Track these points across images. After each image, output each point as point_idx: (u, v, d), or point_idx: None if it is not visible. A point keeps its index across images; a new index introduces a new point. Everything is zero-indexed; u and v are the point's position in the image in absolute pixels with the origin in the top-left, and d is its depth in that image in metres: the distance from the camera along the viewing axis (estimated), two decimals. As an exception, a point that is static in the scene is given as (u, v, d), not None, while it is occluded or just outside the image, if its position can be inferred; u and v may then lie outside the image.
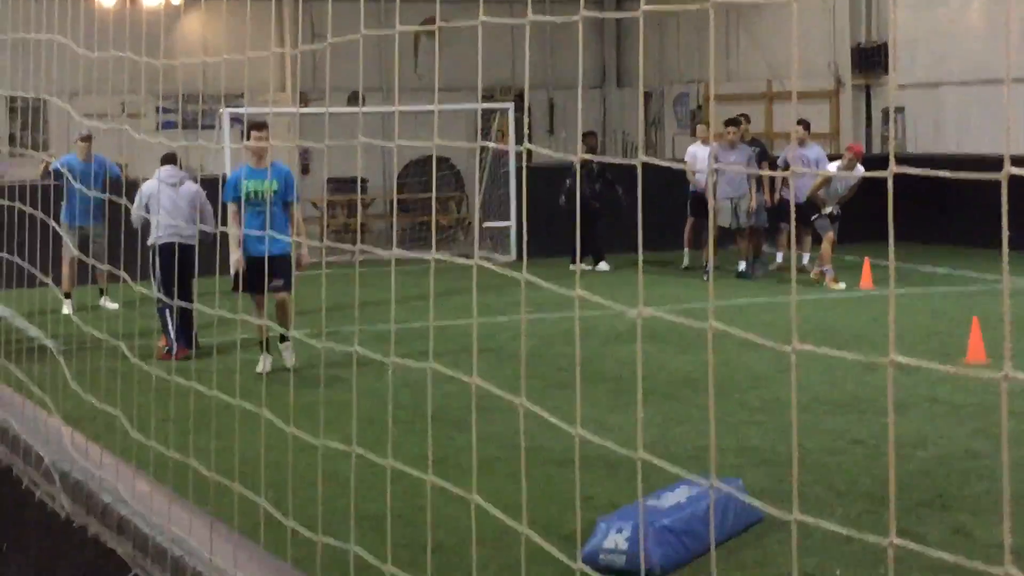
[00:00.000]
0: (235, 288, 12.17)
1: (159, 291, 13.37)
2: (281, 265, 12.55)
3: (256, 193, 12.76)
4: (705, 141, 22.00)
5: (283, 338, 12.67)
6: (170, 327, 13.56)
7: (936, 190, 22.19)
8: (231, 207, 12.81)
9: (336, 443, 3.54)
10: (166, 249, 13.59)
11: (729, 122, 20.99)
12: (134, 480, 3.77)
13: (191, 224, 13.93)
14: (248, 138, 13.18)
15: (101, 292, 16.75)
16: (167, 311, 13.51)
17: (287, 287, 12.58)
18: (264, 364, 12.34)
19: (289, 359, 12.42)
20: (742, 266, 20.33)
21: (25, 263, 6.25)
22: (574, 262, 21.11)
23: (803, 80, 27.00)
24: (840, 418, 10.66)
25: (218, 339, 13.54)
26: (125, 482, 3.79)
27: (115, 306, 15.28)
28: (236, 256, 12.31)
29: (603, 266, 21.48)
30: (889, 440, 2.18)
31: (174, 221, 13.79)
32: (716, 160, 19.87)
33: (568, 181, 20.94)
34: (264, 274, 11.65)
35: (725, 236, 21.02)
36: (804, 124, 21.32)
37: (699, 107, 30.07)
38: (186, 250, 13.59)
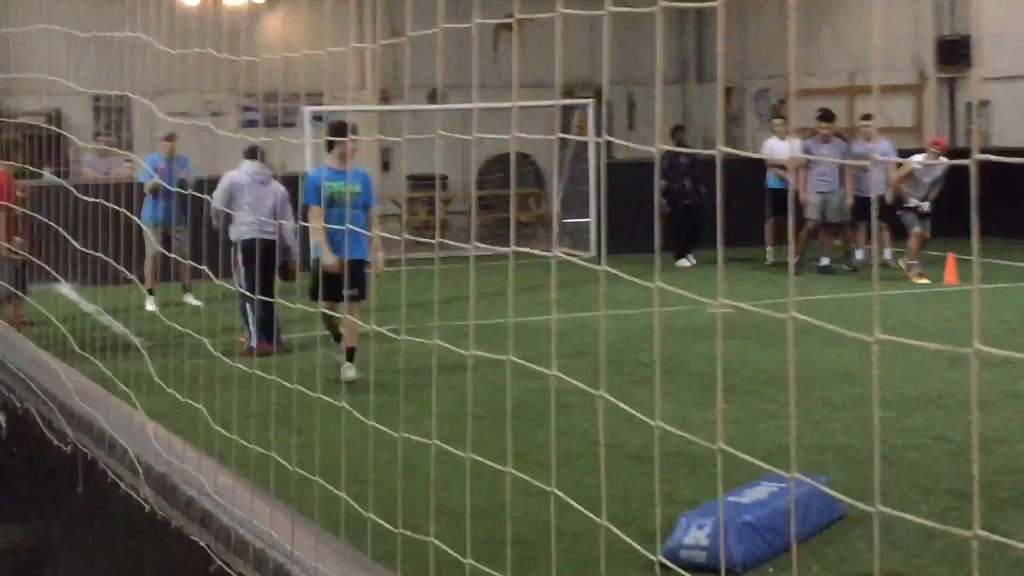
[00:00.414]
0: (315, 296, 11.67)
1: (241, 287, 13.46)
2: (358, 272, 12.17)
3: (338, 195, 12.25)
4: (781, 135, 21.84)
5: (350, 353, 12.31)
6: (251, 323, 13.63)
7: (1022, 184, 21.90)
8: (315, 209, 12.10)
9: (416, 437, 3.55)
10: (250, 245, 13.64)
11: (824, 116, 20.72)
12: (217, 474, 3.81)
13: (272, 221, 14.01)
14: (333, 141, 12.47)
15: (184, 289, 16.89)
16: (249, 307, 13.58)
17: (363, 295, 12.21)
18: (351, 371, 12.12)
19: (350, 372, 12.14)
20: (824, 261, 20.17)
21: (111, 260, 6.33)
22: (678, 259, 21.18)
23: (886, 74, 26.74)
24: (924, 415, 10.55)
25: (299, 335, 13.63)
26: (208, 476, 3.82)
27: (198, 303, 15.36)
28: (330, 259, 11.83)
29: (683, 262, 21.40)
30: (974, 434, 2.16)
31: (259, 217, 13.84)
32: (810, 154, 19.75)
33: (664, 181, 20.97)
34: (341, 280, 11.15)
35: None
36: (867, 118, 21.15)
37: (780, 102, 29.87)
38: (269, 246, 13.65)
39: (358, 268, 12.10)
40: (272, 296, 13.51)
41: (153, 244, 14.96)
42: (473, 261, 3.95)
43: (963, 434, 9.79)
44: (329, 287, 11.36)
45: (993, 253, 19.68)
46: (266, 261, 13.32)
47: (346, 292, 11.32)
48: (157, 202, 16.37)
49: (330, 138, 12.41)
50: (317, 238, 12.12)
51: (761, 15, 28.76)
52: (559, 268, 3.11)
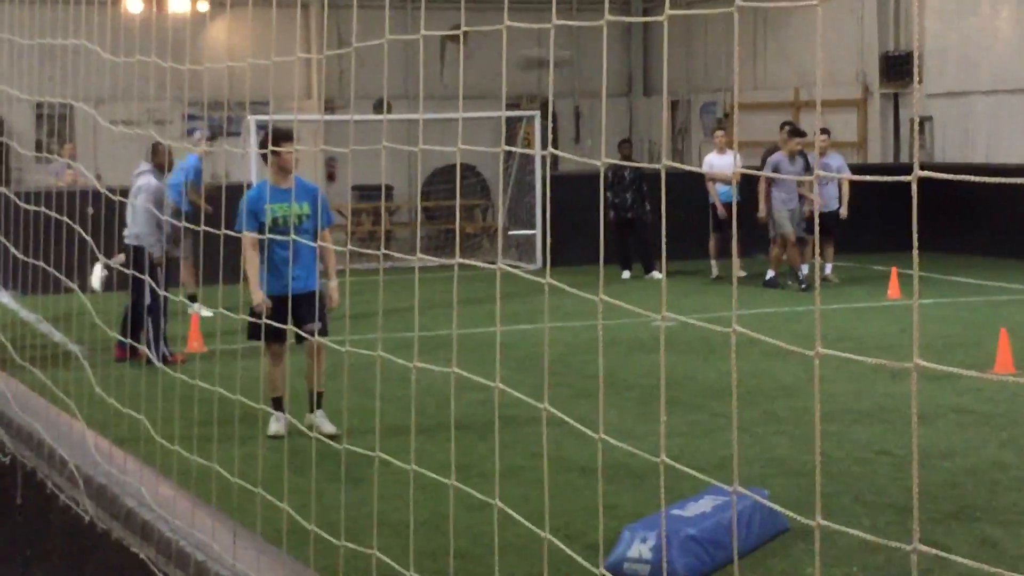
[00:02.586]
0: (252, 335, 10.18)
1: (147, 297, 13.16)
2: (311, 305, 10.34)
3: (282, 219, 10.42)
4: (722, 149, 21.89)
5: (318, 402, 10.56)
6: (151, 333, 13.29)
7: (964, 200, 22.12)
8: (249, 237, 10.30)
9: (360, 449, 3.53)
10: (129, 253, 13.49)
11: (795, 132, 20.59)
12: (157, 485, 3.77)
13: (141, 226, 13.69)
14: (273, 152, 10.57)
15: (192, 298, 16.57)
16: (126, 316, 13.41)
17: (324, 331, 10.37)
18: (278, 424, 10.19)
19: (327, 425, 10.25)
20: (769, 274, 20.22)
21: (51, 268, 6.26)
22: (624, 270, 21.19)
23: (830, 88, 26.94)
24: (866, 428, 10.60)
25: (240, 346, 13.52)
26: (149, 487, 3.79)
27: (210, 313, 14.93)
28: (259, 297, 10.11)
29: (655, 275, 21.41)
30: (913, 448, 2.16)
31: (132, 223, 13.67)
32: (778, 170, 19.76)
33: (609, 194, 21.02)
34: (287, 318, 8.96)
35: (751, 245, 21.00)
36: (826, 132, 21.20)
37: (726, 115, 30.02)
38: (134, 252, 13.40)
39: (310, 301, 10.34)
40: (139, 302, 13.26)
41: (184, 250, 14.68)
42: (418, 272, 3.93)
43: (905, 448, 9.84)
44: (266, 325, 9.34)
45: (936, 268, 19.83)
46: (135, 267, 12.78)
47: (302, 329, 9.89)
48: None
49: (269, 149, 10.54)
50: (248, 271, 10.40)
51: (707, 29, 28.94)
52: (505, 280, 3.10)
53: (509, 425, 9.54)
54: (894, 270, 18.71)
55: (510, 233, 23.70)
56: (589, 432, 2.77)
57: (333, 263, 10.92)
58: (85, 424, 4.38)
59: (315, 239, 10.39)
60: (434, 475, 3.27)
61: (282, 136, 10.74)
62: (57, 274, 6.40)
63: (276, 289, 9.88)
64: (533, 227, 23.29)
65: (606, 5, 2.55)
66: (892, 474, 9.25)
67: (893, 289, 18.74)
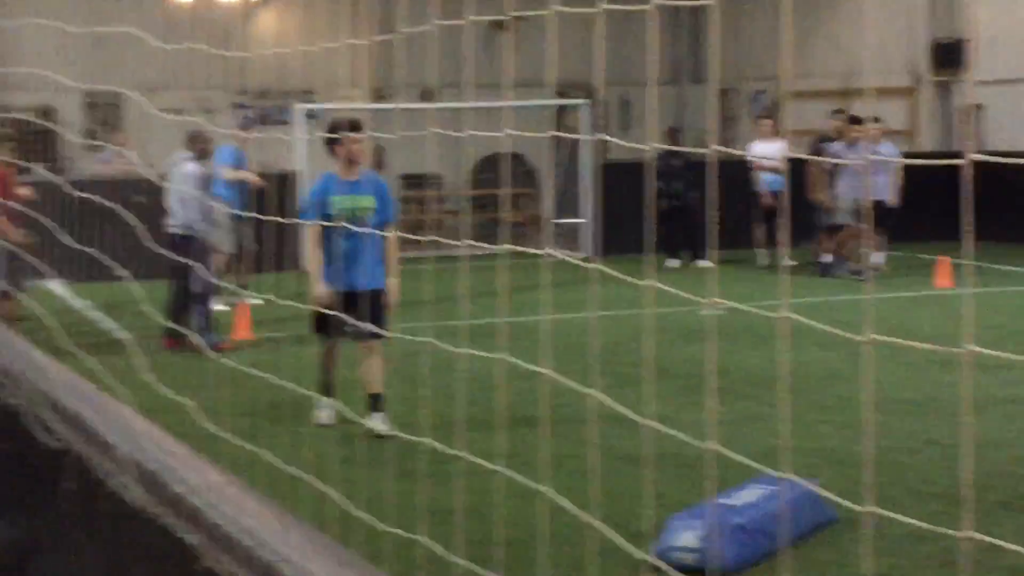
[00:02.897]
0: (317, 329, 10.34)
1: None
2: (376, 304, 10.11)
3: (350, 212, 10.20)
4: (769, 137, 21.79)
5: (375, 403, 9.83)
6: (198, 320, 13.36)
7: (1016, 187, 21.92)
8: (311, 229, 10.30)
9: (408, 436, 3.53)
10: (170, 241, 13.45)
11: (854, 120, 20.50)
12: (206, 471, 3.78)
13: (191, 213, 13.76)
14: (335, 140, 10.38)
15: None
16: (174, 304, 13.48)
17: (384, 332, 9.75)
18: (325, 414, 9.68)
19: (382, 426, 9.39)
20: (825, 259, 20.05)
21: (104, 256, 6.30)
22: (671, 258, 21.12)
23: (880, 76, 26.76)
24: (916, 418, 10.54)
25: (285, 334, 13.56)
26: (198, 473, 3.80)
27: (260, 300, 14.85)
28: (320, 289, 10.06)
29: (704, 262, 21.32)
30: (966, 438, 2.14)
31: (175, 212, 13.76)
32: (838, 158, 19.64)
33: (659, 183, 20.91)
34: (348, 314, 9.13)
35: (798, 234, 20.91)
36: (878, 121, 21.04)
37: (775, 104, 29.86)
38: (182, 242, 13.43)
39: (373, 300, 10.05)
40: (186, 291, 13.34)
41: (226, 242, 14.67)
42: (466, 260, 3.93)
43: (955, 438, 9.78)
44: (326, 319, 9.65)
45: (986, 257, 19.68)
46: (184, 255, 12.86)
47: (349, 328, 9.31)
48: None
49: (329, 135, 10.47)
50: (310, 265, 10.32)
51: (755, 16, 28.75)
52: (551, 268, 3.09)
53: (556, 414, 9.53)
54: (941, 258, 18.57)
55: (557, 222, 23.67)
56: (636, 418, 2.76)
57: (395, 259, 10.46)
58: (134, 410, 4.40)
59: (381, 234, 10.18)
60: (482, 461, 3.27)
61: (349, 126, 10.50)
62: (107, 262, 6.44)
63: (338, 284, 9.94)
64: (580, 216, 23.24)
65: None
66: (941, 464, 9.20)
67: (942, 278, 18.60)
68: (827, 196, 19.85)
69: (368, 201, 10.29)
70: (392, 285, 10.26)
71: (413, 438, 3.58)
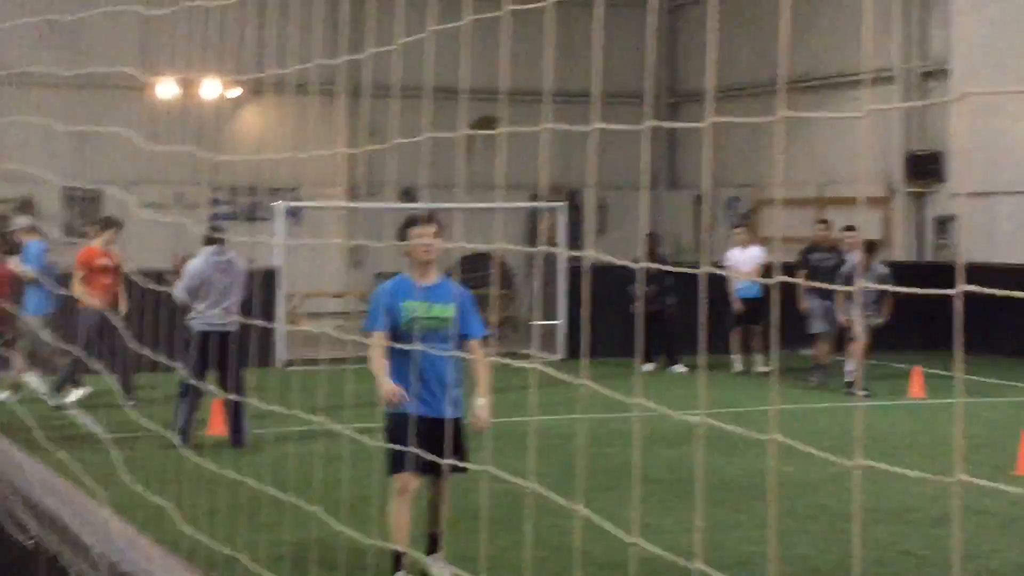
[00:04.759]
0: (395, 467, 8.43)
1: (189, 378, 13.12)
2: (458, 434, 8.41)
3: (427, 323, 8.58)
4: (743, 245, 21.99)
5: (433, 543, 8.77)
6: (180, 417, 13.32)
7: (985, 300, 22.02)
8: (375, 337, 8.58)
9: (385, 543, 3.52)
10: (205, 337, 13.52)
11: (848, 227, 20.67)
12: (183, 573, 3.77)
13: (235, 309, 13.80)
14: (404, 236, 8.78)
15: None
16: (183, 401, 13.39)
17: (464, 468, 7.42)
18: (443, 570, 8.53)
19: (445, 571, 8.57)
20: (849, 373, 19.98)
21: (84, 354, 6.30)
22: (646, 363, 21.13)
23: (855, 186, 27.02)
24: (888, 528, 10.53)
25: (272, 430, 13.49)
26: (173, 574, 3.79)
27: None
28: (388, 386, 8.38)
29: (679, 368, 21.39)
30: (956, 553, 2.16)
31: (218, 308, 13.66)
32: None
33: (632, 286, 21.05)
34: (432, 446, 7.34)
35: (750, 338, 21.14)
36: (850, 229, 21.18)
37: (751, 210, 30.10)
38: (230, 339, 13.49)
39: (457, 431, 8.35)
40: (241, 389, 13.37)
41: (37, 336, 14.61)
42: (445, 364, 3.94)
43: (928, 548, 9.77)
44: (404, 452, 7.98)
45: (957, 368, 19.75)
46: (227, 352, 13.09)
47: (441, 463, 7.36)
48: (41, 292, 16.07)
49: (400, 237, 8.84)
50: (375, 367, 8.52)
51: (734, 125, 29.04)
52: (525, 369, 3.12)
53: (539, 521, 9.49)
54: (916, 368, 18.65)
55: (532, 324, 23.75)
56: (620, 533, 2.77)
57: (487, 378, 8.66)
58: (109, 508, 4.39)
59: (457, 348, 8.66)
60: (461, 571, 3.27)
61: (419, 220, 8.88)
62: (83, 357, 6.44)
63: (418, 411, 8.02)
64: (556, 317, 23.31)
65: (649, 108, 2.59)
66: (914, 574, 9.18)
67: (916, 387, 18.66)
68: (806, 304, 19.90)
69: (448, 311, 8.60)
70: (481, 407, 8.54)
71: (389, 547, 3.56)
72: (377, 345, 8.48)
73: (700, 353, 2.52)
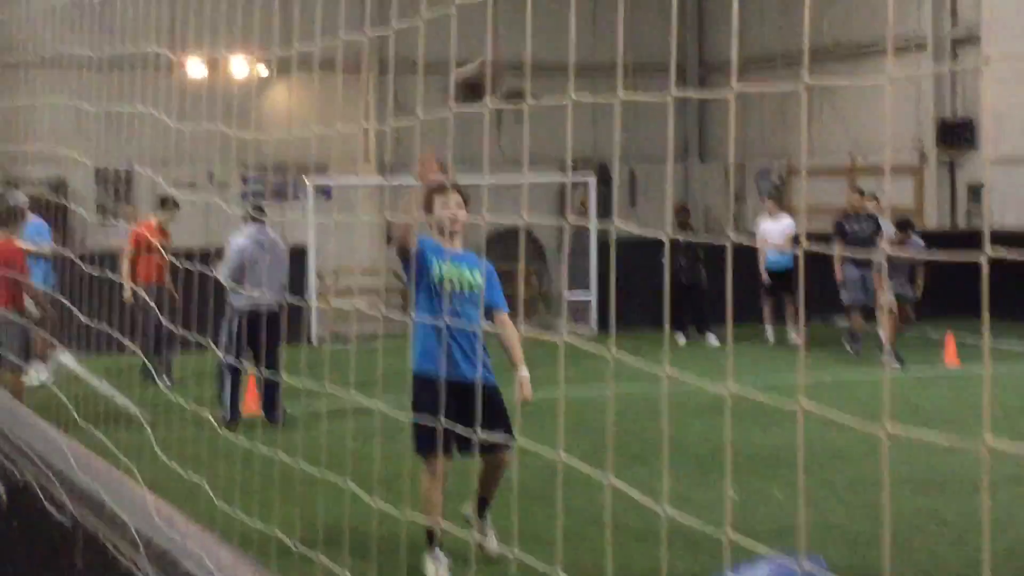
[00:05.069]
0: (421, 446, 8.17)
1: (229, 357, 13.22)
2: (495, 403, 8.21)
3: (457, 284, 8.32)
4: (772, 215, 21.93)
5: (483, 507, 8.69)
6: (226, 395, 13.45)
7: (1021, 266, 21.92)
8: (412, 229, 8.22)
9: (418, 517, 3.53)
10: (254, 316, 13.56)
11: (872, 196, 20.66)
12: (218, 550, 3.79)
13: (279, 290, 13.87)
14: (432, 205, 8.47)
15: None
16: (229, 379, 13.47)
17: (511, 442, 8.05)
18: (439, 567, 8.17)
19: (492, 542, 8.62)
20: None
21: (115, 331, 6.33)
22: (679, 334, 21.15)
23: (887, 154, 26.90)
24: (925, 498, 10.51)
25: (301, 410, 13.55)
26: (209, 552, 3.81)
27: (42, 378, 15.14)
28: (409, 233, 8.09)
29: (711, 340, 21.37)
30: (984, 518, 2.15)
31: (263, 287, 13.67)
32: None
33: (662, 258, 21.07)
34: (464, 417, 6.69)
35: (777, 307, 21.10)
36: (875, 199, 21.07)
37: (782, 181, 29.99)
38: (272, 318, 13.56)
39: (493, 398, 8.20)
40: (277, 367, 13.46)
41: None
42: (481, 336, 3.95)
43: (965, 517, 9.74)
44: (433, 431, 7.66)
45: (994, 334, 19.66)
46: (270, 331, 13.19)
47: (482, 438, 7.45)
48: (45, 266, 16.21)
49: (426, 205, 8.50)
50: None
51: (762, 95, 28.94)
52: (561, 342, 3.12)
53: (565, 491, 9.51)
54: (950, 336, 18.57)
55: (566, 299, 23.75)
56: (651, 504, 2.77)
57: (519, 349, 8.37)
58: (146, 487, 4.42)
59: (485, 319, 8.47)
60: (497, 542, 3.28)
61: (438, 190, 8.47)
62: (118, 336, 6.47)
63: (447, 374, 7.83)
64: (588, 290, 23.30)
65: (672, 79, 2.58)
66: (951, 544, 9.16)
67: (950, 356, 18.59)
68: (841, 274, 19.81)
69: (478, 277, 8.33)
70: (523, 379, 8.22)
71: (422, 522, 3.57)
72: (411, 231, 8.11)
73: (728, 324, 2.53)
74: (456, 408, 7.27)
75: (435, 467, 8.01)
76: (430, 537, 8.15)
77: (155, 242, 15.72)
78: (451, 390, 7.51)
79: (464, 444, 8.02)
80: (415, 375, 8.13)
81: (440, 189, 8.36)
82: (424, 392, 7.95)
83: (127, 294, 15.00)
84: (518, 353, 8.31)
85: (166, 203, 16.49)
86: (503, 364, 8.43)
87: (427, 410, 7.51)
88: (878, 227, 19.66)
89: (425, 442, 8.00)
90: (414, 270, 8.20)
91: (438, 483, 8.10)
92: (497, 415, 8.12)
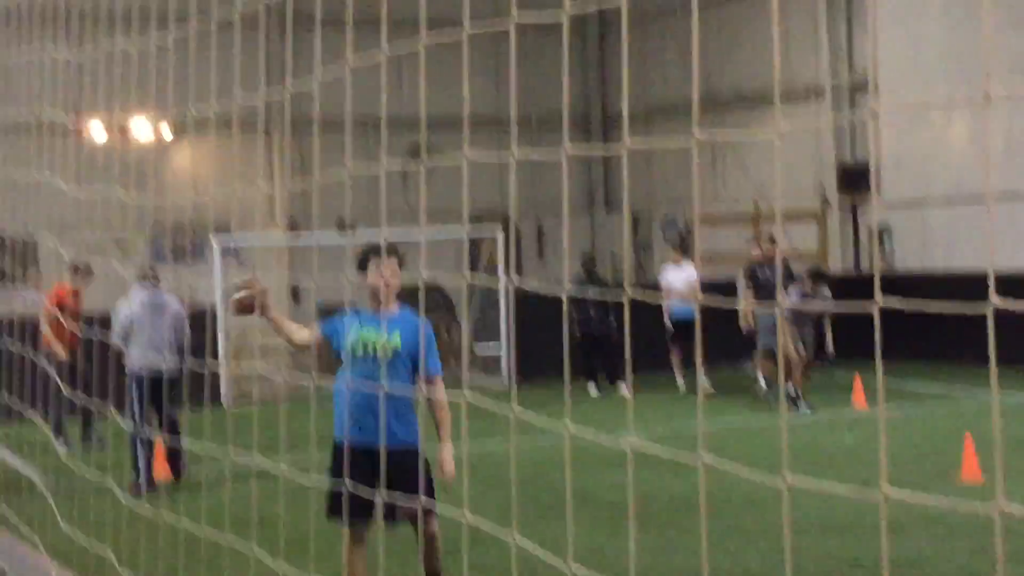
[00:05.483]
0: (332, 511, 8.02)
1: (134, 421, 13.18)
2: (410, 467, 7.82)
3: (371, 348, 8.13)
4: (677, 263, 21.98)
5: None
6: (140, 459, 13.40)
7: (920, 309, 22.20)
8: (314, 326, 8.48)
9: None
10: (143, 378, 13.46)
11: (772, 239, 20.92)
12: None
13: (174, 351, 13.72)
14: (364, 267, 8.29)
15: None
16: (139, 442, 13.38)
17: (433, 508, 7.77)
18: None
19: None
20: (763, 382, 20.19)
21: (12, 398, 6.22)
22: (590, 384, 21.16)
23: (789, 200, 27.21)
24: (837, 540, 10.57)
25: (205, 470, 13.41)
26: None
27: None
28: (303, 335, 8.26)
29: (623, 390, 21.37)
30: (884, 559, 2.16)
31: (155, 350, 13.56)
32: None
33: (574, 309, 21.10)
34: (374, 481, 6.96)
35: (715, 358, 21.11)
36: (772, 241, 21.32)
37: (687, 230, 30.23)
38: (170, 377, 13.46)
39: (409, 461, 7.84)
40: (177, 428, 13.40)
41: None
42: (383, 393, 3.92)
43: (877, 559, 9.80)
44: (342, 496, 7.43)
45: (900, 376, 19.93)
46: (172, 394, 13.12)
47: (397, 505, 7.35)
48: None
49: (359, 267, 8.33)
50: (293, 335, 8.27)
51: (667, 142, 29.27)
52: (469, 395, 3.10)
53: (478, 546, 9.46)
54: (858, 378, 18.76)
55: (476, 352, 23.71)
56: (557, 563, 2.76)
57: (448, 420, 8.13)
58: (50, 558, 4.33)
59: (409, 382, 8.10)
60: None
61: (376, 252, 8.28)
62: (14, 404, 6.37)
63: (358, 438, 7.58)
64: (499, 342, 23.30)
65: (565, 134, 2.59)
66: (865, 586, 9.21)
67: (857, 397, 18.77)
68: (746, 323, 20.04)
69: (396, 339, 8.11)
70: (445, 452, 8.05)
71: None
72: (312, 330, 8.27)
73: (628, 373, 2.54)
74: (374, 475, 7.10)
75: (353, 535, 7.93)
76: None
77: (67, 306, 15.95)
78: (368, 456, 7.39)
79: (389, 514, 7.77)
80: (334, 442, 8.03)
81: (375, 252, 8.21)
82: (340, 458, 7.74)
83: (60, 353, 15.39)
84: (446, 428, 8.09)
85: (79, 269, 16.51)
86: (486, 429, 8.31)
87: (340, 476, 7.26)
88: (790, 274, 19.87)
89: (336, 509, 7.82)
90: (332, 325, 8.25)
91: (359, 550, 7.98)
92: (416, 481, 7.72)
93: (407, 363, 8.07)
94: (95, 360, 14.01)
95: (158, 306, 13.81)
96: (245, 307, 7.91)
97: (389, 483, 6.39)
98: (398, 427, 7.92)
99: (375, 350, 8.05)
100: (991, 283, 1.95)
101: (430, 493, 7.85)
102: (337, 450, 7.94)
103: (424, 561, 8.20)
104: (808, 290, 18.94)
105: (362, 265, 8.23)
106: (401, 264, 8.39)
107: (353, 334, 8.09)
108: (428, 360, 8.12)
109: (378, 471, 6.98)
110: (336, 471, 7.75)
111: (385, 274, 8.12)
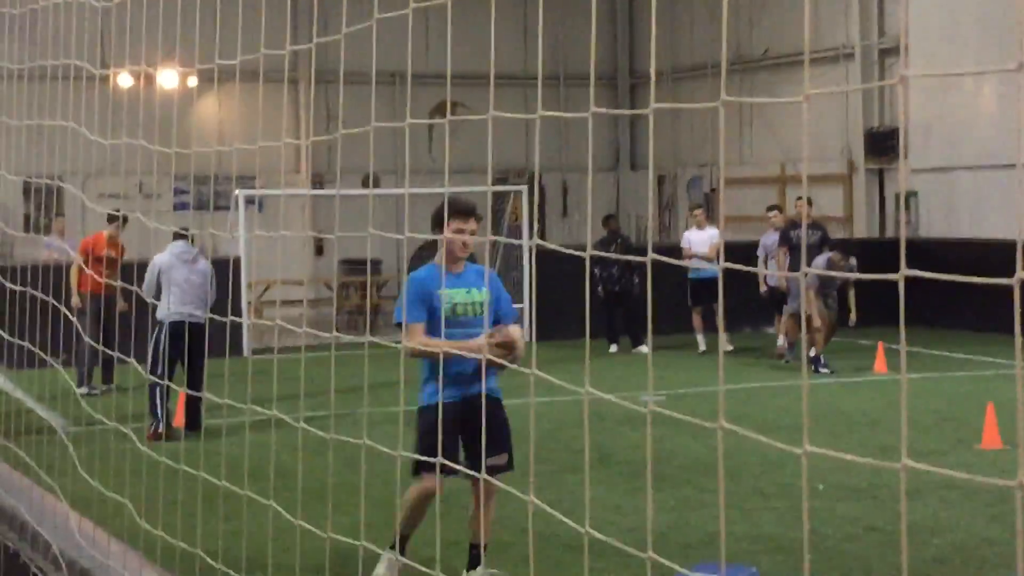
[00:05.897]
0: (420, 467, 7.99)
1: (157, 369, 13.35)
2: (502, 424, 8.16)
3: (462, 308, 8.20)
4: (700, 225, 21.95)
5: (475, 557, 8.33)
6: (159, 406, 13.63)
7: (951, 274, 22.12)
8: (416, 328, 8.04)
9: (343, 537, 3.50)
10: (177, 328, 13.72)
11: (771, 207, 21.02)
12: (141, 569, 3.74)
13: (203, 304, 14.02)
14: (442, 226, 8.08)
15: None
16: (159, 390, 13.54)
17: (510, 463, 8.13)
18: (389, 570, 8.10)
19: None
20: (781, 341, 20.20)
21: (36, 347, 6.24)
22: (611, 344, 21.23)
23: (816, 164, 27.10)
24: (854, 504, 10.57)
25: (226, 420, 13.46)
26: (132, 571, 3.76)
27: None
28: (474, 344, 7.73)
29: (643, 348, 21.35)
30: (902, 529, 2.15)
31: (186, 300, 13.94)
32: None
33: (596, 269, 21.12)
34: (467, 438, 7.72)
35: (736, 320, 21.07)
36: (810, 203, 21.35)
37: (712, 190, 30.15)
38: (196, 329, 13.63)
39: (496, 414, 8.07)
40: (200, 379, 13.57)
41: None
42: (404, 348, 3.92)
43: (894, 524, 9.81)
44: (444, 443, 7.51)
45: (922, 342, 19.89)
46: (194, 343, 13.22)
47: (486, 458, 6.65)
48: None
49: (437, 226, 8.22)
50: (441, 349, 7.55)
51: (694, 103, 29.15)
52: (483, 359, 3.10)
53: (497, 500, 9.48)
54: (880, 345, 18.73)
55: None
56: (571, 524, 2.76)
57: (523, 353, 8.00)
58: (68, 505, 4.36)
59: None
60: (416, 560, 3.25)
61: (460, 212, 8.17)
62: (40, 353, 6.39)
63: (454, 397, 7.84)
64: (520, 301, 23.31)
65: (591, 94, 2.57)
66: (880, 551, 9.21)
67: (880, 363, 18.74)
68: (765, 287, 20.17)
69: (484, 295, 8.16)
70: (517, 332, 8.09)
71: (349, 540, 3.53)
72: (420, 332, 7.99)
73: (648, 334, 2.51)
74: (464, 426, 7.76)
75: (430, 484, 7.91)
76: (403, 543, 7.94)
77: (104, 255, 16.47)
78: (457, 412, 7.77)
79: (474, 464, 7.71)
80: (421, 409, 8.12)
81: (459, 211, 8.14)
82: (431, 422, 7.72)
83: (75, 300, 15.78)
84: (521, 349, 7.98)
85: (115, 218, 17.04)
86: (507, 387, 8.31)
87: (431, 436, 7.49)
88: (824, 236, 19.84)
89: (426, 465, 7.61)
90: (407, 306, 8.06)
91: (429, 499, 8.09)
92: (501, 433, 8.11)
93: (492, 314, 8.16)
94: (133, 304, 14.64)
95: (191, 260, 14.19)
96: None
97: (485, 433, 6.25)
98: (491, 380, 8.17)
99: (469, 309, 8.21)
100: (1020, 254, 1.93)
101: (510, 448, 8.19)
102: (428, 410, 7.96)
103: (485, 517, 8.10)
104: (837, 260, 18.90)
105: (438, 222, 8.13)
106: (480, 225, 8.43)
107: (446, 300, 8.08)
108: (508, 307, 8.41)
109: (471, 423, 7.62)
110: (429, 435, 7.75)
111: (466, 235, 8.13)
